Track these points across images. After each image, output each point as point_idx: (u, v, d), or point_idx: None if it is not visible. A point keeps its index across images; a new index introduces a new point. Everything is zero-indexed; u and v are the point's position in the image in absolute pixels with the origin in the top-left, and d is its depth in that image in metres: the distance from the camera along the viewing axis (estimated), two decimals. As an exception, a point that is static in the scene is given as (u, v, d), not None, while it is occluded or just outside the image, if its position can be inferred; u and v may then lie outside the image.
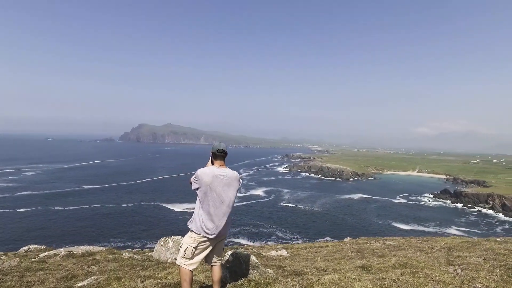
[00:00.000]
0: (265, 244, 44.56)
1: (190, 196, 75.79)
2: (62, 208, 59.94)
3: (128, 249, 9.09)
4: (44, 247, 9.08)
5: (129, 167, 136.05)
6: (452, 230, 57.92)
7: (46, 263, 5.31)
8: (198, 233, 3.69)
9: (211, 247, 3.81)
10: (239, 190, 3.89)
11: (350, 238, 11.18)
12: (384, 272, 4.19)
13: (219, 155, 3.84)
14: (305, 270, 4.46)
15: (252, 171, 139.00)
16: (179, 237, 6.76)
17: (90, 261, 5.26)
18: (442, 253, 5.79)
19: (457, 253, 5.63)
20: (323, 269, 4.55)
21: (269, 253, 7.30)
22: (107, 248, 8.12)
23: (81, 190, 78.74)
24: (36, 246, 9.02)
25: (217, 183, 3.64)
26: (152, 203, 67.51)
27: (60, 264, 5.16)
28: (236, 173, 3.86)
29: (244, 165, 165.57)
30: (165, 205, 66.27)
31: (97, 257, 5.73)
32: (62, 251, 7.36)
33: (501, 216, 71.87)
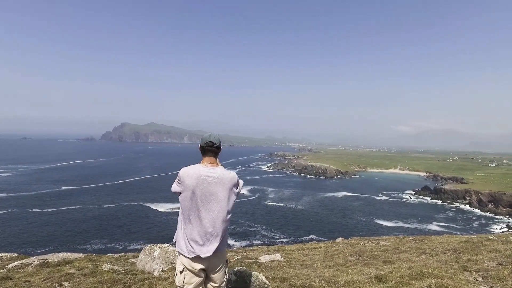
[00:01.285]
0: (250, 243, 44.38)
1: (174, 195, 74.47)
2: (40, 210, 57.61)
3: (109, 254, 8.29)
4: (16, 255, 8.17)
5: (111, 167, 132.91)
6: (433, 226, 59.27)
7: (11, 279, 4.62)
8: (183, 253, 2.82)
9: (203, 273, 2.87)
10: (237, 195, 2.99)
11: (342, 238, 10.89)
12: (407, 286, 3.80)
13: (209, 150, 2.94)
14: (314, 284, 4.02)
15: (236, 170, 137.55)
16: (166, 245, 6.04)
17: (63, 276, 4.59)
18: (449, 256, 5.54)
19: (465, 256, 5.39)
20: (333, 281, 4.12)
21: (262, 257, 6.87)
22: (86, 255, 7.42)
23: (61, 191, 76.12)
24: (6, 254, 8.07)
25: (203, 186, 2.74)
26: (135, 203, 66.01)
27: (27, 281, 4.50)
28: (231, 173, 2.92)
29: (229, 164, 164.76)
30: (148, 205, 64.93)
31: (72, 271, 4.97)
32: (35, 259, 6.65)
33: (478, 211, 74.17)
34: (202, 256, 2.75)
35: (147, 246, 6.12)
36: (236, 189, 2.97)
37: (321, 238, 46.20)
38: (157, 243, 6.31)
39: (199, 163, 2.93)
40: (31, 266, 6.04)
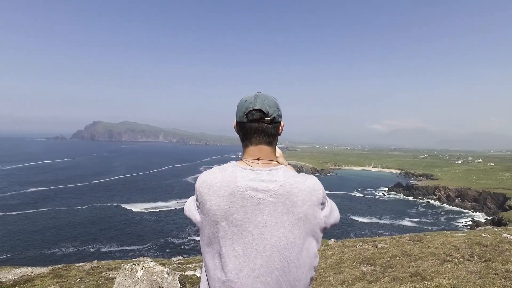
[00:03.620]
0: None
1: (150, 194, 73.20)
2: (3, 213, 53.88)
3: (80, 265, 7.08)
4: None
5: (83, 166, 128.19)
6: (406, 222, 61.38)
7: None
8: None
9: None
10: (323, 231, 1.23)
11: (335, 240, 10.67)
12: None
13: (255, 130, 1.24)
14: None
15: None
16: (151, 263, 4.61)
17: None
18: (479, 264, 5.20)
19: (497, 264, 5.05)
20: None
21: None
22: (51, 269, 6.36)
23: (27, 193, 72.47)
24: None
25: (245, 213, 1.15)
26: (108, 204, 64.00)
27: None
28: (309, 180, 1.21)
29: (205, 163, 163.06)
30: (122, 205, 63.13)
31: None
32: (-18, 281, 5.47)
33: (446, 206, 77.49)
34: None
35: (127, 266, 4.72)
36: (323, 216, 1.21)
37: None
38: (139, 256, 5.49)
39: (235, 161, 1.30)
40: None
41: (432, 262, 5.50)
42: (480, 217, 66.15)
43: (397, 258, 6.25)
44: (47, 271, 6.14)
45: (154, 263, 4.53)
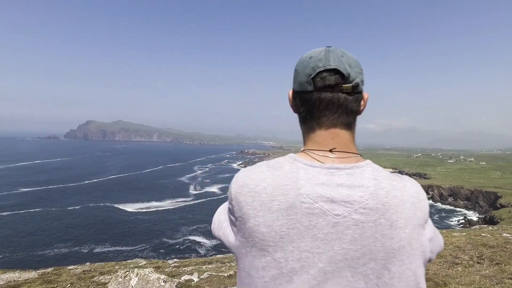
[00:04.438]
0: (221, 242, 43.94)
1: (144, 194, 72.71)
2: (-6, 214, 52.81)
3: (71, 267, 6.80)
4: None
5: (76, 166, 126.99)
6: (399, 220, 61.83)
7: None
8: None
9: None
10: (425, 262, 0.74)
11: None
12: None
13: (328, 102, 0.75)
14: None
15: (207, 168, 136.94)
16: (146, 270, 4.32)
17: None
18: (491, 268, 5.01)
19: (507, 266, 4.90)
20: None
21: None
22: (40, 273, 6.10)
23: (18, 193, 71.44)
24: None
25: (314, 236, 0.67)
26: (101, 204, 63.41)
27: None
28: (410, 186, 0.75)
29: (199, 163, 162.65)
30: (116, 205, 62.57)
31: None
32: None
33: (439, 204, 78.18)
34: None
35: (121, 272, 4.42)
36: (428, 240, 0.75)
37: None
38: (133, 257, 5.30)
39: (293, 154, 0.80)
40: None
41: (441, 265, 5.33)
42: (473, 215, 66.87)
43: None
44: (36, 276, 5.84)
45: (149, 270, 4.25)
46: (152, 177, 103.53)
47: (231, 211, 0.78)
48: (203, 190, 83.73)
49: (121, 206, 61.95)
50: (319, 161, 0.73)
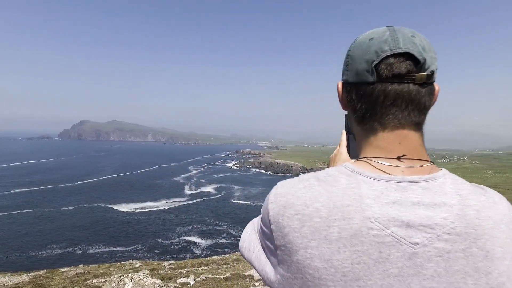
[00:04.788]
0: (217, 242, 43.89)
1: (139, 194, 72.27)
2: (-14, 215, 51.91)
3: (64, 270, 6.59)
4: None
5: (70, 166, 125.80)
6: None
7: None
8: None
9: None
10: None
11: None
12: None
13: (396, 96, 0.57)
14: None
15: (202, 168, 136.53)
16: (141, 274, 4.16)
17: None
18: None
19: None
20: None
21: (255, 272, 5.55)
22: (32, 276, 5.85)
23: (11, 194, 70.46)
24: None
25: (386, 272, 0.49)
26: (95, 204, 62.86)
27: None
28: (501, 203, 0.56)
29: (194, 162, 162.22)
30: (110, 206, 62.08)
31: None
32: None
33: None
34: None
35: (115, 277, 4.24)
36: None
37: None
38: (128, 257, 5.12)
39: (350, 164, 0.61)
40: None
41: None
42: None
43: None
44: (27, 279, 5.61)
45: (143, 274, 4.00)
46: (147, 177, 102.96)
47: (267, 236, 0.61)
48: (198, 190, 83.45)
49: (115, 207, 61.49)
50: (386, 172, 0.56)
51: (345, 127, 0.80)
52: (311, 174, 0.59)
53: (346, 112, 0.73)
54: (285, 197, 0.56)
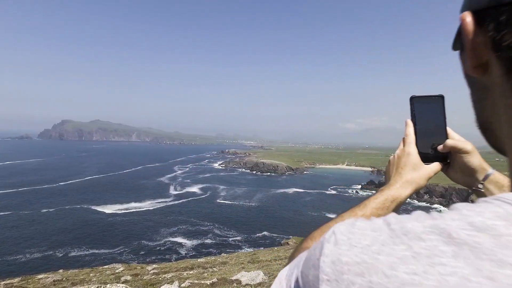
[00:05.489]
0: (202, 242, 43.58)
1: (123, 195, 70.93)
2: (-38, 218, 49.60)
3: (41, 277, 6.11)
4: None
5: (51, 167, 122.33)
6: (377, 218, 63.17)
7: None
8: None
9: None
10: None
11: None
12: None
13: None
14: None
15: (187, 168, 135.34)
16: (121, 286, 3.80)
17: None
18: None
19: None
20: None
21: (241, 276, 5.40)
22: (3, 286, 5.56)
23: (-11, 195, 68.28)
24: None
25: None
26: (78, 206, 61.37)
27: None
28: None
29: (179, 162, 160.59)
30: (93, 207, 60.73)
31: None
32: None
33: (415, 202, 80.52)
34: None
35: (94, 287, 3.96)
36: None
37: (273, 235, 46.98)
38: (111, 260, 4.99)
39: (508, 195, 0.28)
40: None
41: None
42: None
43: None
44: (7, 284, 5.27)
45: (124, 285, 3.68)
46: (131, 177, 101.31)
47: None
48: (184, 190, 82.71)
49: (99, 208, 60.21)
50: None
51: (411, 116, 0.51)
52: (421, 215, 0.31)
53: (410, 95, 0.43)
54: (361, 276, 0.27)
